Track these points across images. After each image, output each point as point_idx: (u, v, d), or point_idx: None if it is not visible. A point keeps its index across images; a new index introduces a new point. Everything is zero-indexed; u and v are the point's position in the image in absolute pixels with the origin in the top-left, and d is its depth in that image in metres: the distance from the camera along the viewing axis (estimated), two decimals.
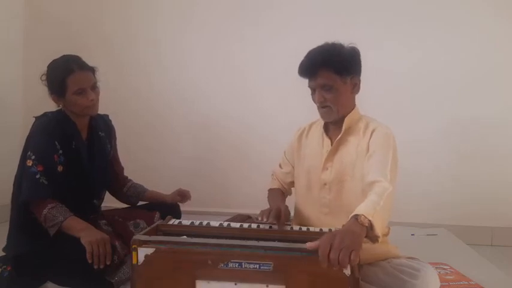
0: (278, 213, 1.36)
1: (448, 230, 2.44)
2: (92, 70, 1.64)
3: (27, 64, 2.84)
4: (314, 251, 1.00)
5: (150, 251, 1.11)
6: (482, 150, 2.51)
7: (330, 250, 0.96)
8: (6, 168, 2.45)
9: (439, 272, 1.73)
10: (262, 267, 1.06)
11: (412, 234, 2.40)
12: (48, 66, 1.65)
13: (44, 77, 1.65)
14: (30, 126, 1.67)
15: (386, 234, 1.47)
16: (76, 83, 1.57)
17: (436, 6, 2.51)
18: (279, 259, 1.06)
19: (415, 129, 2.54)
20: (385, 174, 1.24)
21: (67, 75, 1.57)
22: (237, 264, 1.07)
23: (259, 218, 1.36)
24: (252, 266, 1.07)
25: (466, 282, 1.66)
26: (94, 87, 1.63)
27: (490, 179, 2.50)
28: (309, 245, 1.03)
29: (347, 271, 0.98)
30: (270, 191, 1.67)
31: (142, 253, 1.11)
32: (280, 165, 1.70)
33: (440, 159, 2.55)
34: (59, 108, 1.66)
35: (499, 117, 2.50)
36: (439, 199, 2.54)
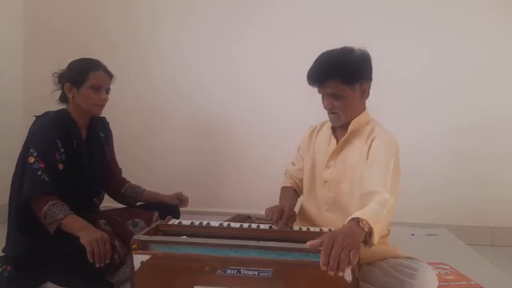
0: (280, 213, 1.37)
1: (448, 230, 2.44)
2: (112, 78, 1.75)
3: (27, 64, 2.85)
4: (314, 255, 1.00)
5: (145, 257, 1.09)
6: (482, 150, 2.51)
7: (332, 248, 0.97)
8: (6, 168, 2.46)
9: (439, 272, 1.74)
10: (261, 274, 1.05)
11: (412, 234, 2.40)
12: (74, 60, 1.73)
13: (56, 74, 1.72)
14: (29, 126, 1.67)
15: (385, 236, 1.47)
16: (96, 78, 1.66)
17: (440, 6, 2.50)
18: (278, 265, 1.05)
19: (416, 130, 2.54)
20: (385, 185, 1.23)
21: (91, 69, 1.67)
22: (235, 270, 1.06)
23: (267, 216, 1.38)
24: (250, 272, 1.05)
25: (466, 282, 1.66)
26: (107, 91, 1.73)
27: (490, 179, 2.50)
28: (309, 243, 1.03)
29: (348, 277, 0.97)
30: (282, 189, 1.67)
31: (138, 260, 1.09)
32: (293, 163, 1.70)
33: (440, 159, 2.55)
34: (62, 108, 1.71)
35: (499, 117, 2.50)
36: (439, 199, 2.54)
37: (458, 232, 2.39)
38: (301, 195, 1.65)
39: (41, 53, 2.83)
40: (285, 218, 1.37)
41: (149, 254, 1.09)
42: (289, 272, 1.05)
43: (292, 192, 1.64)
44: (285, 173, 1.73)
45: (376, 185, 1.24)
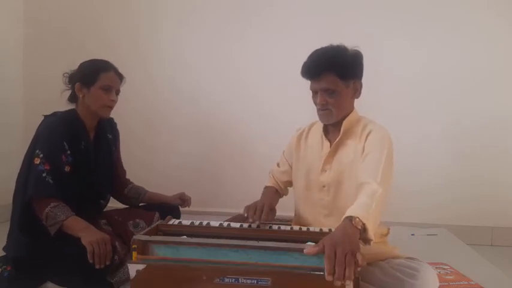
0: (261, 209, 1.38)
1: (448, 230, 2.44)
2: (122, 79, 1.74)
3: (27, 64, 2.85)
4: (313, 258, 1.00)
5: (141, 267, 1.07)
6: (482, 150, 2.51)
7: (335, 256, 0.96)
8: (6, 168, 2.46)
9: (439, 272, 1.74)
10: (260, 283, 1.04)
11: (412, 234, 2.40)
12: (86, 60, 1.72)
13: (66, 74, 1.71)
14: (30, 126, 1.67)
15: (385, 235, 1.47)
16: (107, 79, 1.66)
17: (440, 6, 2.50)
18: (277, 274, 1.04)
19: (416, 130, 2.54)
20: (375, 176, 1.24)
21: (103, 70, 1.67)
22: (234, 279, 1.04)
23: (245, 214, 1.39)
24: (249, 281, 1.04)
25: (466, 282, 1.67)
26: (117, 93, 1.72)
27: (490, 179, 2.50)
28: (306, 251, 1.02)
29: (350, 286, 0.97)
30: (265, 188, 1.68)
31: (133, 269, 1.07)
32: (278, 164, 1.70)
33: (440, 159, 2.55)
34: (71, 108, 1.71)
35: (499, 117, 2.50)
36: (439, 199, 2.54)
37: (458, 232, 2.39)
38: (294, 200, 1.63)
39: (41, 53, 2.83)
40: (265, 214, 1.38)
41: (145, 264, 1.08)
42: (288, 281, 1.03)
43: (274, 191, 1.65)
44: (269, 173, 1.73)
45: (366, 175, 1.25)
